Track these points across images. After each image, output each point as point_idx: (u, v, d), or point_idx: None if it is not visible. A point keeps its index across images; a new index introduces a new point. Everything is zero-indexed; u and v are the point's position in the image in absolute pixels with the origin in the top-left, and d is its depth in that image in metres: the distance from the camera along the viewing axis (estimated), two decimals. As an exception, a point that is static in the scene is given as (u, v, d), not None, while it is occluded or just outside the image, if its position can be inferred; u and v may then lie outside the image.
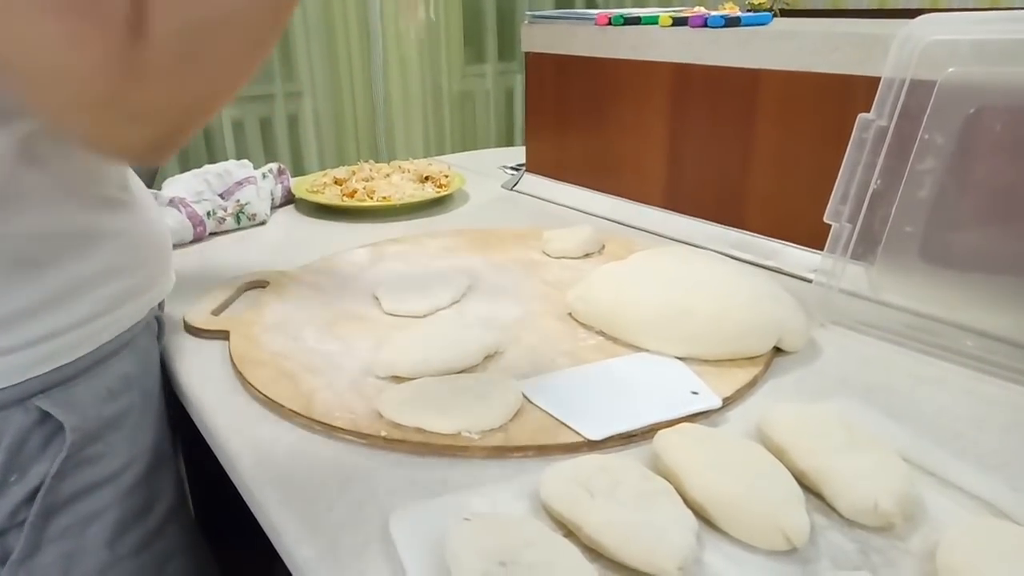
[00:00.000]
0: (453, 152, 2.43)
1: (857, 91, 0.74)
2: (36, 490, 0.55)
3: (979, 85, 0.63)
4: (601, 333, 0.68)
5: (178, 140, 0.47)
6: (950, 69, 0.64)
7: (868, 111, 0.68)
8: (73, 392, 0.57)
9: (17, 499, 0.55)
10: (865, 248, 0.69)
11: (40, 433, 0.55)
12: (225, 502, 0.58)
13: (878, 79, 0.68)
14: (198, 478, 0.74)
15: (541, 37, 1.14)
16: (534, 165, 1.23)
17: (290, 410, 0.56)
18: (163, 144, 0.46)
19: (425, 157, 1.88)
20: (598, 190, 1.10)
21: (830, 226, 0.70)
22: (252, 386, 0.59)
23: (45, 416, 0.55)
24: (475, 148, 2.41)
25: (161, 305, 0.71)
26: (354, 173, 1.20)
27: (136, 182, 0.67)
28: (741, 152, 0.89)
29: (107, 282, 0.59)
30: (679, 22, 0.93)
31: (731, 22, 0.87)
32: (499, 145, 2.63)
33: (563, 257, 0.88)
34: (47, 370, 0.55)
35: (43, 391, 0.55)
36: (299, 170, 2.32)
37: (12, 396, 0.54)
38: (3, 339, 0.53)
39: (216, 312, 0.74)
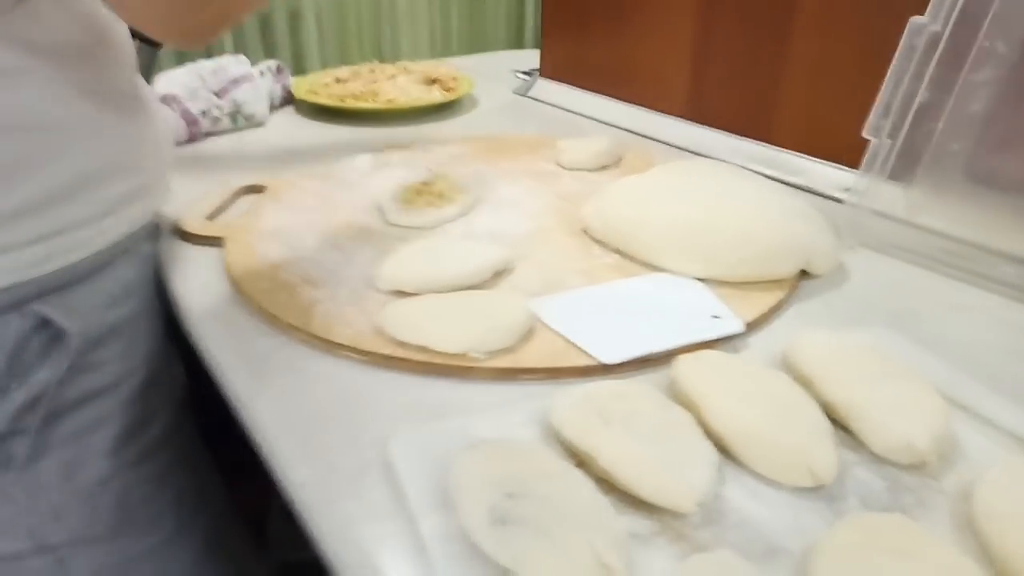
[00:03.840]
0: (460, 53, 2.32)
1: (910, -9, 0.67)
2: (38, 396, 0.54)
3: (1053, -15, 0.56)
4: (617, 251, 0.64)
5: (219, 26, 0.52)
6: (1021, -34, 0.57)
7: (920, 14, 0.61)
8: (73, 297, 0.54)
9: (19, 404, 0.53)
10: (904, 167, 0.64)
11: (39, 339, 0.53)
12: (226, 416, 0.57)
13: (936, -22, 0.61)
14: (200, 389, 0.72)
15: (560, -74, 1.05)
16: (549, 70, 1.15)
17: (288, 323, 0.53)
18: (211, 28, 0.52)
19: (432, 59, 1.79)
20: (616, 98, 1.04)
21: (866, 143, 0.65)
22: (248, 297, 0.56)
23: (44, 322, 0.53)
24: (483, 50, 2.30)
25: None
26: (358, 74, 1.13)
27: (141, 81, 0.62)
28: (773, 59, 0.82)
29: (108, 183, 0.55)
30: (714, -90, 0.84)
31: (772, -90, 0.79)
32: (508, 47, 2.51)
33: (577, 169, 0.83)
34: (45, 272, 0.52)
35: (40, 296, 0.52)
36: (300, 69, 2.22)
37: (9, 299, 0.51)
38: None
39: (211, 217, 0.70)
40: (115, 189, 0.56)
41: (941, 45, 0.61)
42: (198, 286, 0.60)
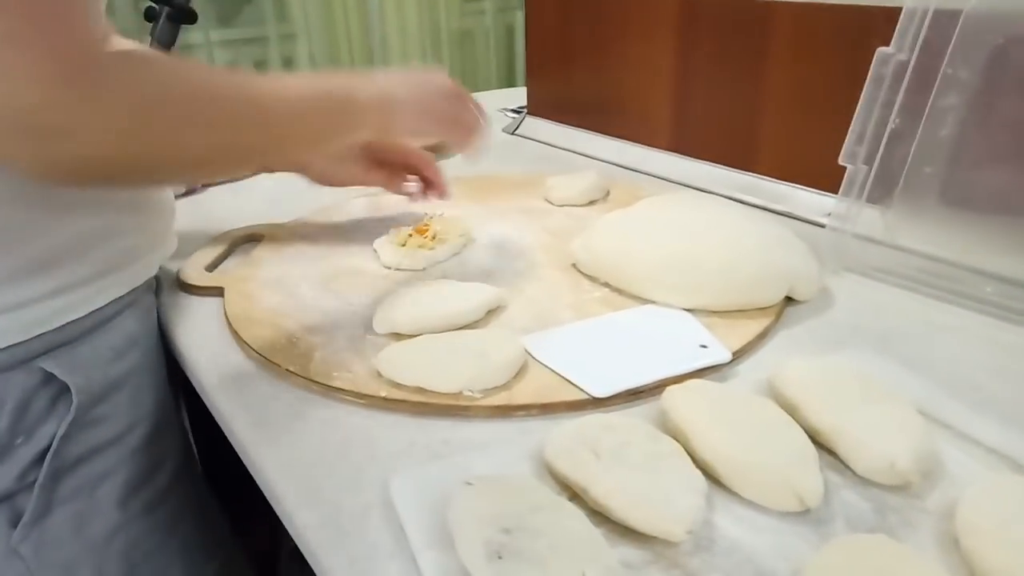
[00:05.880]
0: (453, 94, 2.36)
1: (876, 23, 0.69)
2: (44, 452, 0.55)
3: (1008, 14, 0.59)
4: (606, 285, 0.65)
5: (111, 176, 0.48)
6: (978, -3, 0.60)
7: (887, 45, 0.64)
8: (77, 353, 0.55)
9: (25, 461, 0.54)
10: (882, 191, 0.66)
11: (45, 394, 0.54)
12: (232, 461, 0.58)
13: (899, 10, 0.63)
14: (207, 436, 0.73)
15: (541, -30, 1.08)
16: (536, 107, 1.18)
17: (287, 370, 0.54)
18: (91, 172, 0.46)
19: (424, 100, 1.82)
20: (602, 133, 1.07)
21: (845, 168, 0.67)
22: (248, 345, 0.58)
23: (49, 377, 0.54)
24: (476, 88, 2.33)
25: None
26: (350, 119, 1.16)
27: None
28: (752, 91, 0.85)
29: (112, 240, 0.57)
30: (687, -49, 0.88)
31: (742, -50, 0.82)
32: (500, 85, 2.56)
33: (566, 205, 0.85)
34: (50, 328, 0.53)
35: (46, 352, 0.54)
36: (296, 116, 2.27)
37: (15, 357, 0.53)
38: (5, 296, 0.51)
39: (210, 268, 0.72)
40: (117, 247, 0.58)
41: (908, 74, 0.63)
42: (199, 336, 0.62)
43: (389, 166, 0.76)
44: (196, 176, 0.59)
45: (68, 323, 0.55)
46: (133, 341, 0.60)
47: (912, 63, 0.63)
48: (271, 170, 0.80)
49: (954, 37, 0.61)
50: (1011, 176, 0.61)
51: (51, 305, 0.53)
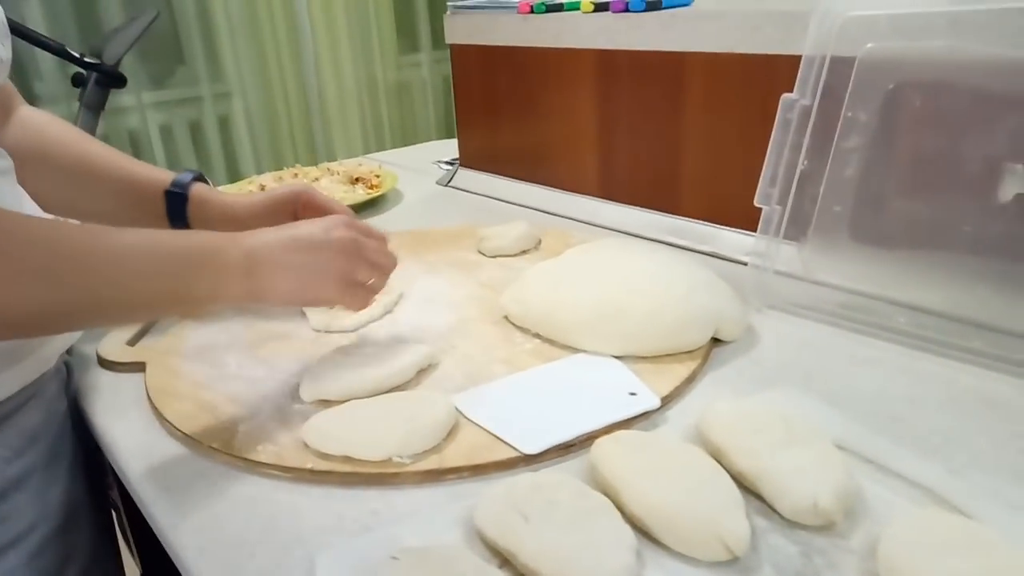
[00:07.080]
0: (393, 146, 2.37)
1: (781, 71, 0.73)
2: None
3: (897, 60, 0.62)
4: (537, 336, 0.66)
5: None
6: (869, 45, 0.63)
7: (790, 91, 0.67)
8: None
9: None
10: (796, 229, 0.69)
11: None
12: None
13: (800, 58, 0.67)
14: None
15: (464, 27, 1.11)
16: (467, 159, 1.20)
17: (209, 447, 0.52)
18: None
19: (364, 153, 1.84)
20: (533, 182, 1.08)
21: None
22: (170, 422, 0.56)
23: None
24: (415, 140, 2.37)
25: (70, 349, 0.66)
26: (281, 179, 1.15)
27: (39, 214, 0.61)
28: (671, 137, 0.87)
29: None
30: (600, 7, 0.91)
31: (652, 5, 0.85)
32: (440, 135, 2.59)
33: (499, 255, 0.86)
34: None
35: None
36: (235, 174, 2.25)
37: None
38: None
39: (132, 342, 0.69)
40: (4, 344, 0.53)
41: (812, 117, 0.66)
42: (119, 416, 0.59)
43: None
44: (47, 331, 0.52)
45: None
46: (35, 436, 0.56)
47: (815, 107, 0.66)
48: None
49: (851, 82, 0.64)
50: (911, 211, 0.64)
51: None
